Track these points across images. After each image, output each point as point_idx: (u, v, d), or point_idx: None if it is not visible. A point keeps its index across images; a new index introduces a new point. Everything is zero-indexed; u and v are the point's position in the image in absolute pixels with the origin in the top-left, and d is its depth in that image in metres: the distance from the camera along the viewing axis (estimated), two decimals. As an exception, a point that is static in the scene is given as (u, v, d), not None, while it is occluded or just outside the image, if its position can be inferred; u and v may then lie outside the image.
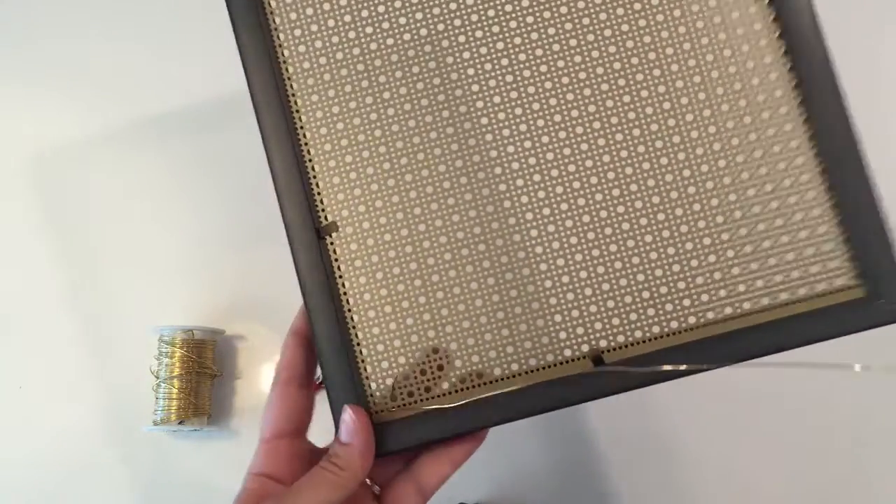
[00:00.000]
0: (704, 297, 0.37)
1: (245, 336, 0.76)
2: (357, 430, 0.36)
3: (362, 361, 0.38)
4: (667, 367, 0.35)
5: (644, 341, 0.37)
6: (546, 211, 0.38)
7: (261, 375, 0.76)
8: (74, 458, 0.74)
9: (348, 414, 0.37)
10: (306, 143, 0.39)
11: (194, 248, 0.77)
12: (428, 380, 0.38)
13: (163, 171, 0.78)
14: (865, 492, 0.66)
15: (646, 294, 0.37)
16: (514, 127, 0.38)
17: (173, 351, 0.71)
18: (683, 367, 0.35)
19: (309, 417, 0.40)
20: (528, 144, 0.38)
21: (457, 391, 0.38)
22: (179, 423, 0.71)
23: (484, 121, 0.38)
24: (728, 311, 0.37)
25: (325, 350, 0.38)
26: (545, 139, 0.38)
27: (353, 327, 0.38)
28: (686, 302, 0.37)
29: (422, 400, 0.38)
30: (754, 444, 0.67)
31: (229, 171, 0.77)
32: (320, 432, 0.41)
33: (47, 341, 0.76)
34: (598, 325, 0.37)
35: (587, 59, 0.38)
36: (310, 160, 0.39)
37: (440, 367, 0.38)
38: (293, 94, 0.39)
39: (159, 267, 0.77)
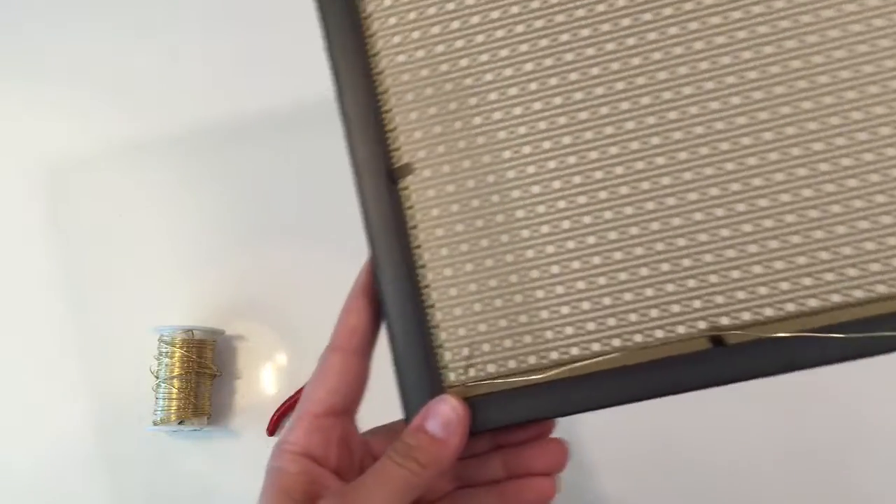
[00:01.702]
0: (852, 272, 0.30)
1: (245, 336, 0.76)
2: (457, 426, 0.31)
3: (435, 327, 0.33)
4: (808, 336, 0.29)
5: (775, 321, 0.31)
6: (660, 161, 0.32)
7: (261, 375, 0.76)
8: (74, 459, 0.75)
9: (450, 405, 0.31)
10: (380, 73, 0.33)
11: (194, 248, 0.77)
12: (511, 352, 0.32)
13: (163, 171, 0.78)
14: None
15: (779, 265, 0.31)
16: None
17: (173, 351, 0.71)
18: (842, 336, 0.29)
19: (362, 393, 0.35)
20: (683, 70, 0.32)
21: (546, 367, 0.32)
22: (179, 423, 0.71)
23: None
24: (881, 289, 0.30)
25: (393, 312, 0.33)
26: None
27: (427, 286, 0.33)
28: (829, 276, 0.31)
29: (505, 376, 0.32)
30: (764, 447, 0.63)
31: (230, 170, 0.77)
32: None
33: (47, 341, 0.77)
34: (720, 299, 0.31)
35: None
36: (384, 91, 0.33)
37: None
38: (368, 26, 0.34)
39: (160, 267, 0.77)
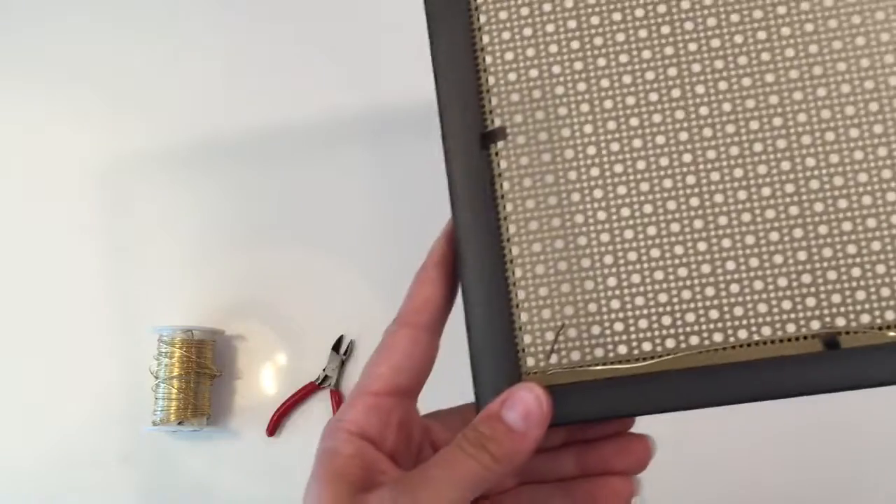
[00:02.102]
0: None
1: (245, 336, 0.76)
2: (539, 418, 0.27)
3: (517, 306, 0.30)
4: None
5: (897, 326, 0.28)
6: (781, 144, 0.29)
7: (260, 375, 0.76)
8: (74, 459, 0.75)
9: (535, 394, 0.27)
10: (480, 28, 0.31)
11: (194, 249, 0.77)
12: (599, 340, 0.29)
13: (163, 172, 0.78)
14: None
15: (906, 265, 0.28)
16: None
17: (172, 351, 0.71)
18: None
19: (427, 376, 0.32)
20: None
21: (638, 359, 0.29)
22: (179, 423, 0.71)
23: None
24: None
25: (472, 288, 0.30)
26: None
27: (511, 261, 0.30)
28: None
29: (591, 365, 0.29)
30: (763, 448, 0.63)
31: (231, 171, 0.77)
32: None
33: (47, 342, 0.76)
34: (837, 298, 0.28)
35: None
36: (482, 49, 0.31)
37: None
38: None
39: (160, 267, 0.77)
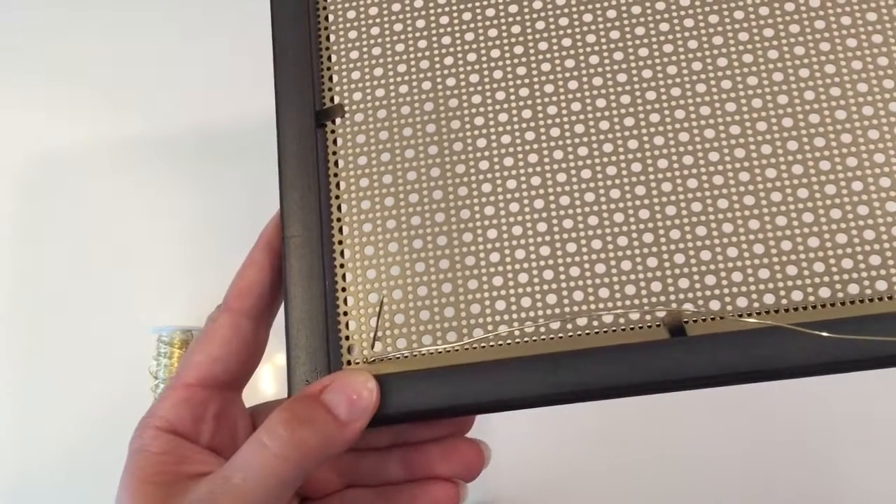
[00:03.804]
0: (847, 264, 0.25)
1: None
2: (365, 409, 0.24)
3: (343, 289, 0.27)
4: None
5: (750, 314, 0.25)
6: (629, 122, 0.27)
7: (259, 375, 0.72)
8: (73, 460, 0.71)
9: (367, 382, 0.25)
10: (325, 7, 0.30)
11: (194, 248, 0.75)
12: (427, 326, 0.26)
13: (162, 171, 0.77)
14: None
15: (759, 248, 0.26)
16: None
17: (172, 351, 0.69)
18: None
19: (254, 367, 0.29)
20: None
21: (466, 348, 0.26)
22: None
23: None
24: (881, 286, 0.25)
25: (294, 267, 0.27)
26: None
27: (340, 242, 0.27)
28: (819, 267, 0.25)
29: (418, 354, 0.26)
30: (757, 450, 0.58)
31: (230, 169, 0.76)
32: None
33: (45, 342, 0.74)
34: (685, 283, 0.26)
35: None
36: (325, 27, 0.30)
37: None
38: None
39: (159, 267, 0.74)
